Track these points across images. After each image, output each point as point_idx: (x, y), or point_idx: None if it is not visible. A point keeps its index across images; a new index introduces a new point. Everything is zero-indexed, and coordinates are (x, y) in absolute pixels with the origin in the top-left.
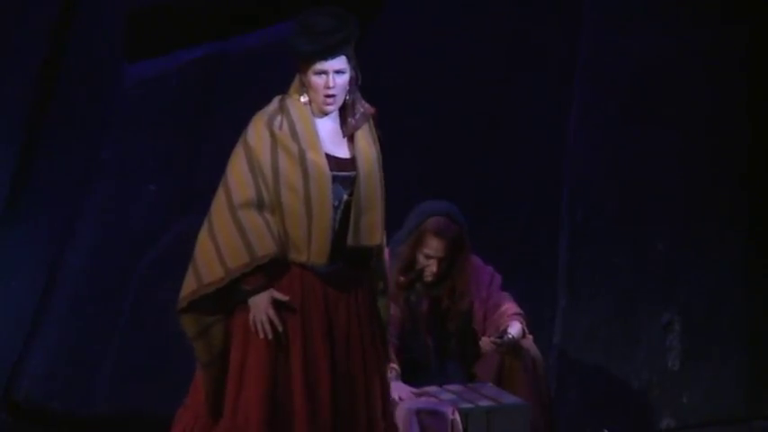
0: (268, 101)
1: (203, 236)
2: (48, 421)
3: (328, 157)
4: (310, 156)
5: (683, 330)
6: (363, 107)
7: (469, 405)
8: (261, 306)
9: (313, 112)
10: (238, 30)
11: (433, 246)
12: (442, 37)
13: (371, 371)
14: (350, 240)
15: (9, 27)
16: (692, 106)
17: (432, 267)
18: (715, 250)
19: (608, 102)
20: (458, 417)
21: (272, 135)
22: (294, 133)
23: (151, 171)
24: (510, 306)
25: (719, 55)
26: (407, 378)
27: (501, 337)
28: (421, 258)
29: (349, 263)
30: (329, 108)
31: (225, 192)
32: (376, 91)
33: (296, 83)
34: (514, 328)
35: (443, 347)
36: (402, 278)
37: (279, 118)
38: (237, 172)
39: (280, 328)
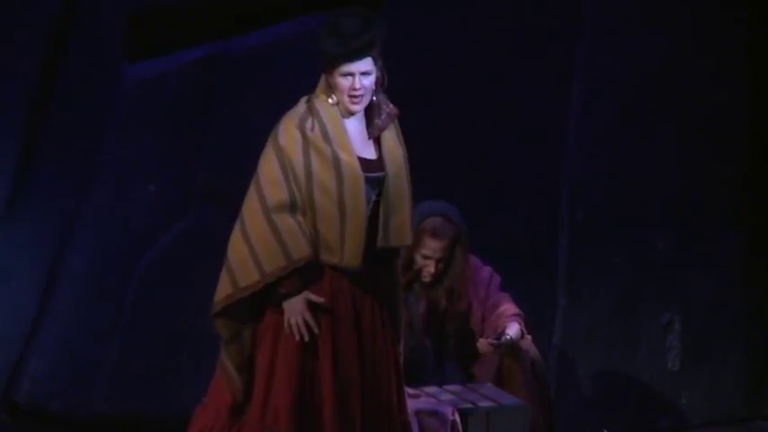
0: (268, 101)
1: (237, 239)
2: (47, 421)
3: (358, 158)
4: (343, 157)
5: (683, 330)
6: (388, 107)
7: (469, 405)
8: (297, 309)
9: (340, 113)
10: (238, 30)
11: (431, 246)
12: (441, 36)
13: (392, 369)
14: (380, 241)
15: (9, 27)
16: (692, 106)
17: (429, 268)
18: (715, 250)
19: (608, 102)
20: (457, 417)
21: (304, 137)
22: (326, 135)
23: (151, 171)
24: (509, 307)
25: (719, 55)
26: (405, 379)
27: (498, 339)
28: (419, 259)
29: (375, 263)
30: (355, 108)
31: (257, 194)
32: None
33: (322, 83)
34: (512, 329)
35: (441, 348)
36: (400, 279)
37: (310, 120)
38: (270, 174)
39: (316, 331)
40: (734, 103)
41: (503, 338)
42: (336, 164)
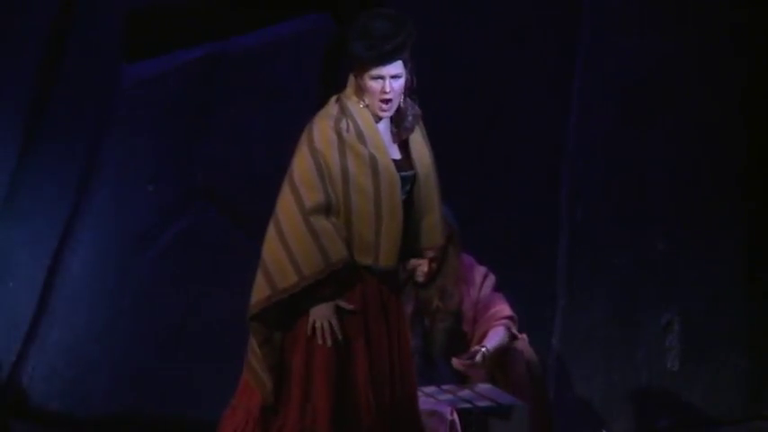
0: (267, 101)
1: (273, 241)
2: (46, 421)
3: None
4: (380, 159)
5: (683, 331)
6: (414, 109)
7: (468, 405)
8: (325, 313)
9: (375, 117)
10: (237, 30)
11: None
12: (441, 37)
13: (412, 364)
14: (412, 242)
15: (8, 27)
16: (692, 107)
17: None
18: (714, 250)
19: (607, 102)
20: (456, 417)
21: (340, 138)
22: (361, 136)
23: (150, 171)
24: (500, 309)
25: (719, 55)
26: None
27: (472, 358)
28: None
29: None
30: (385, 113)
31: (293, 195)
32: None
33: (353, 85)
34: (492, 340)
35: (432, 348)
36: None
37: (344, 121)
38: (305, 175)
39: (339, 337)
40: (734, 104)
41: (477, 357)
42: (374, 165)
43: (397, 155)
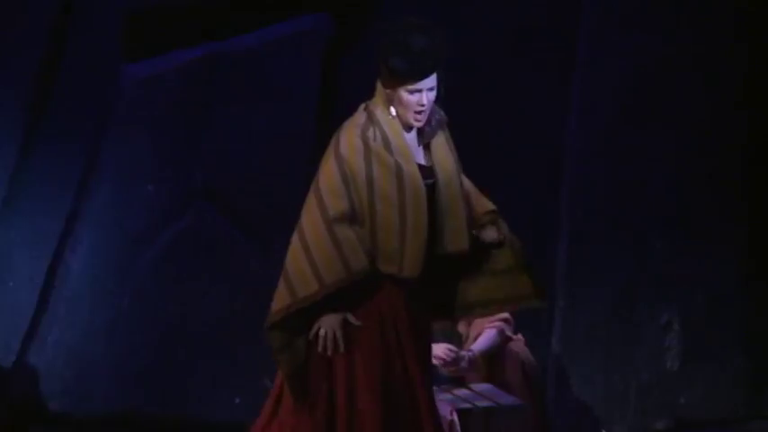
0: (266, 101)
1: (296, 249)
2: (46, 421)
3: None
4: (405, 167)
5: (682, 330)
6: (439, 115)
7: (467, 405)
8: (333, 323)
9: (404, 127)
10: (236, 30)
11: None
12: None
13: (427, 383)
14: (437, 249)
15: (7, 28)
16: (691, 107)
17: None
18: (714, 250)
19: (607, 102)
20: (456, 417)
21: (366, 146)
22: (387, 144)
23: (149, 171)
24: None
25: (719, 55)
26: None
27: (457, 364)
28: None
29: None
30: (419, 124)
31: (318, 203)
32: (373, 91)
33: (381, 95)
34: (482, 343)
35: None
36: None
37: (371, 129)
38: (330, 183)
39: (341, 349)
40: (733, 104)
41: (462, 363)
42: (399, 173)
43: (423, 162)
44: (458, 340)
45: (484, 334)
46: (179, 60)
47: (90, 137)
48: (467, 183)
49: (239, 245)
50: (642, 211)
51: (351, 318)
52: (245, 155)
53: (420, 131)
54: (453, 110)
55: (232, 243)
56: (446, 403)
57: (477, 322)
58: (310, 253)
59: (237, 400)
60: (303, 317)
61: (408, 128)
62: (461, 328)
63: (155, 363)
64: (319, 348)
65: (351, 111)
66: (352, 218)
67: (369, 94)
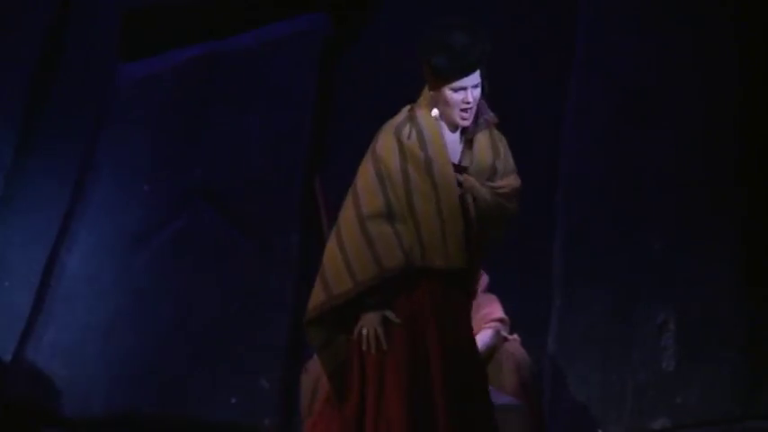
0: (262, 100)
1: (332, 246)
2: (43, 421)
3: (454, 164)
4: (437, 161)
5: (679, 330)
6: (486, 114)
7: None
8: (373, 321)
9: (446, 126)
10: (234, 29)
11: None
12: None
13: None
14: (478, 242)
15: (5, 27)
16: (688, 107)
17: None
18: (711, 250)
19: (604, 101)
20: None
21: (401, 144)
22: (422, 141)
23: (146, 171)
24: (490, 311)
25: (716, 55)
26: None
27: None
28: None
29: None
30: (465, 122)
31: (353, 202)
32: (371, 91)
33: (426, 97)
34: (478, 343)
35: None
36: None
37: (407, 127)
38: (366, 182)
39: (384, 347)
40: (732, 103)
41: None
42: (429, 168)
43: (461, 161)
44: None
45: (480, 334)
46: (176, 60)
47: (87, 136)
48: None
49: (237, 245)
50: (639, 212)
51: (390, 315)
52: (243, 154)
53: (463, 130)
54: None
55: (229, 243)
56: None
57: (474, 323)
58: (345, 251)
59: (234, 401)
60: (342, 314)
61: (454, 128)
62: None
63: (152, 362)
64: (363, 347)
65: (348, 111)
66: (389, 215)
67: (366, 94)
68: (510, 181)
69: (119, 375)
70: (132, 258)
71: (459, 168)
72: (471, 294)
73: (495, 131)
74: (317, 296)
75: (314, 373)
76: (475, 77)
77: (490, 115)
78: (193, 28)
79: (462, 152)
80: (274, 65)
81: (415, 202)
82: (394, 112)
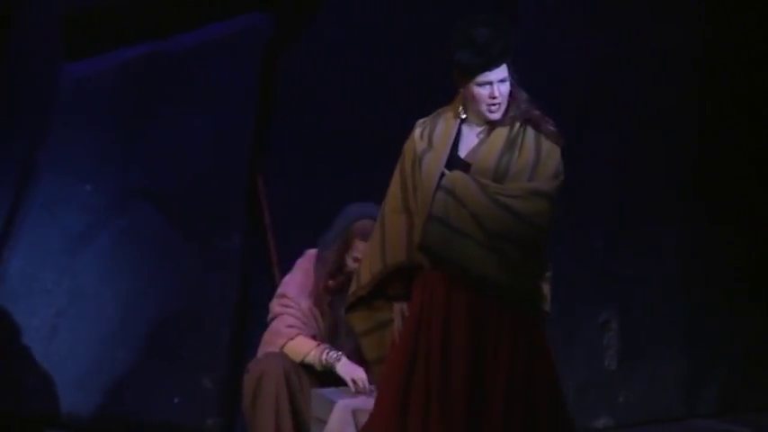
0: (206, 100)
1: (369, 240)
2: None
3: (457, 158)
4: (428, 157)
5: (620, 329)
6: (518, 111)
7: None
8: (396, 313)
9: (475, 123)
10: (177, 28)
11: (361, 249)
12: (372, 40)
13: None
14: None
15: None
16: (631, 107)
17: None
18: (652, 249)
19: (546, 102)
20: None
21: (414, 140)
22: (432, 134)
23: (88, 170)
24: None
25: (661, 56)
26: (331, 380)
27: None
28: (349, 262)
29: None
30: (494, 116)
31: (386, 198)
32: (313, 90)
33: (458, 98)
34: None
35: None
36: (331, 282)
37: (427, 122)
38: (395, 178)
39: (396, 339)
40: (674, 102)
41: None
42: (421, 159)
43: (472, 157)
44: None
45: None
46: (118, 59)
47: (28, 136)
48: None
49: (179, 244)
50: (582, 211)
51: (405, 310)
52: (185, 154)
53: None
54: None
55: (171, 242)
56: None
57: None
58: (369, 244)
59: (177, 401)
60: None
61: (484, 124)
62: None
63: (94, 363)
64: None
65: (290, 110)
66: (405, 210)
67: (308, 93)
68: (525, 184)
69: (61, 375)
70: (74, 258)
71: (461, 164)
72: (517, 312)
73: (531, 130)
74: (352, 286)
75: (255, 373)
76: (501, 72)
77: (531, 113)
78: (135, 28)
79: (474, 148)
80: (216, 64)
81: (417, 197)
82: (336, 110)
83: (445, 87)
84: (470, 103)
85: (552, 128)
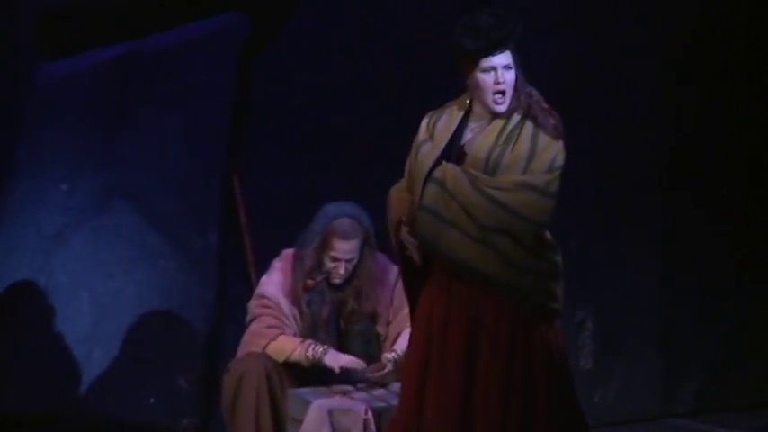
0: (183, 99)
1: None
2: None
3: (458, 149)
4: (425, 144)
5: (596, 329)
6: (518, 101)
7: (383, 404)
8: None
9: (480, 116)
10: (153, 28)
11: (340, 248)
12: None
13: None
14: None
15: None
16: (606, 106)
17: (339, 269)
18: (628, 248)
19: None
20: (371, 415)
21: (420, 129)
22: (435, 124)
23: (64, 170)
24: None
25: (635, 55)
26: (311, 380)
27: (381, 369)
28: (327, 261)
29: None
30: (500, 107)
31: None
32: (289, 90)
33: (466, 91)
34: (403, 342)
35: (346, 350)
36: (310, 281)
37: (434, 114)
38: (406, 169)
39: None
40: (648, 101)
41: (387, 366)
42: (418, 150)
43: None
44: (376, 341)
45: (404, 333)
46: (95, 59)
47: (4, 136)
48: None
49: (154, 244)
50: (556, 209)
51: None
52: (161, 154)
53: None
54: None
55: (147, 242)
56: (361, 402)
57: (395, 323)
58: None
59: (153, 400)
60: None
61: (491, 115)
62: (380, 328)
63: (69, 363)
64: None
65: (266, 110)
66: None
67: (284, 93)
68: (515, 177)
69: (35, 376)
70: (50, 258)
71: (460, 155)
72: (507, 305)
73: (530, 123)
74: None
75: (236, 372)
76: (505, 57)
77: (532, 106)
78: (111, 28)
79: (471, 140)
80: (192, 64)
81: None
82: (312, 110)
83: (421, 87)
84: (476, 92)
85: (553, 122)
